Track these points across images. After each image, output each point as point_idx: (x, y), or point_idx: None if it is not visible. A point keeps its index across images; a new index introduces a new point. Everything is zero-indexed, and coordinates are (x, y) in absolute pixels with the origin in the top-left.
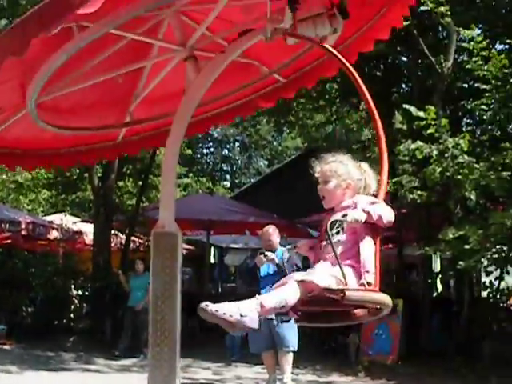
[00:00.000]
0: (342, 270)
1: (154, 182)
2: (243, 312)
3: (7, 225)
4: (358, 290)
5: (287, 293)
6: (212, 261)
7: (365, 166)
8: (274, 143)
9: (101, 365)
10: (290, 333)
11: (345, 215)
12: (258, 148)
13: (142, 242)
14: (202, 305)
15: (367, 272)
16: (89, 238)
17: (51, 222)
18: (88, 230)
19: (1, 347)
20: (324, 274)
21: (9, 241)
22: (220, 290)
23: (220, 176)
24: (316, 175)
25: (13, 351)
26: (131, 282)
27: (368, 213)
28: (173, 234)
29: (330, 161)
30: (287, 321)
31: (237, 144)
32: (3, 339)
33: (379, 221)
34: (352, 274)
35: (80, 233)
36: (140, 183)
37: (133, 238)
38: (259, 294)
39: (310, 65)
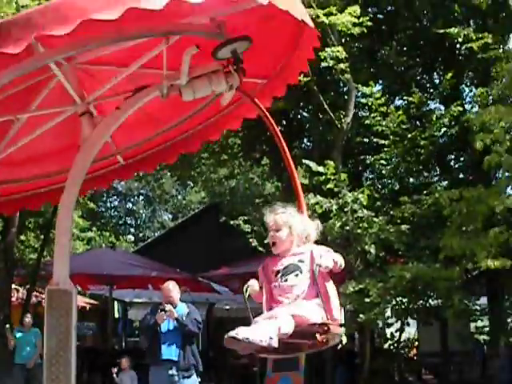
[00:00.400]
0: (324, 307)
1: (53, 236)
2: (272, 335)
3: None
4: (336, 324)
5: (288, 323)
6: (116, 315)
7: (306, 217)
8: (179, 197)
9: None
10: None
11: (301, 260)
12: (162, 202)
13: (43, 296)
14: (232, 333)
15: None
16: None
17: None
18: None
19: None
20: (312, 310)
21: None
22: (124, 345)
23: (124, 230)
24: (268, 223)
25: None
26: (18, 337)
27: (333, 260)
28: (67, 292)
29: (281, 212)
30: (188, 376)
31: (141, 197)
32: None
33: (335, 266)
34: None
35: None
36: (42, 237)
37: (34, 292)
38: (159, 350)
39: (215, 117)
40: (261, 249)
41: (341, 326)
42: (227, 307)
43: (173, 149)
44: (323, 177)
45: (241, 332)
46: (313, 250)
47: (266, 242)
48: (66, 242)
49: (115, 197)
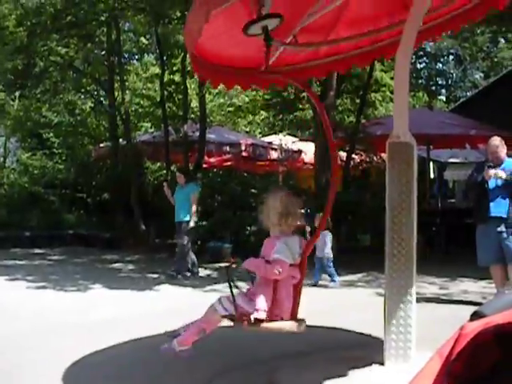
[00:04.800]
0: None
1: (371, 99)
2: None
3: (227, 147)
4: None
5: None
6: (432, 176)
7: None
8: (491, 54)
9: None
10: None
11: None
12: (473, 60)
13: (362, 158)
14: None
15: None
16: (308, 156)
17: (270, 142)
18: (307, 148)
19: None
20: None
21: (229, 163)
22: (440, 206)
23: (436, 90)
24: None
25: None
26: (175, 196)
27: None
28: (408, 144)
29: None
30: None
31: (451, 57)
32: (229, 257)
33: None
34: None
35: (299, 152)
36: (358, 101)
37: (353, 155)
38: (488, 208)
39: None
40: None
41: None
42: None
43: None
44: None
45: None
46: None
47: None
48: (404, 96)
49: (425, 57)
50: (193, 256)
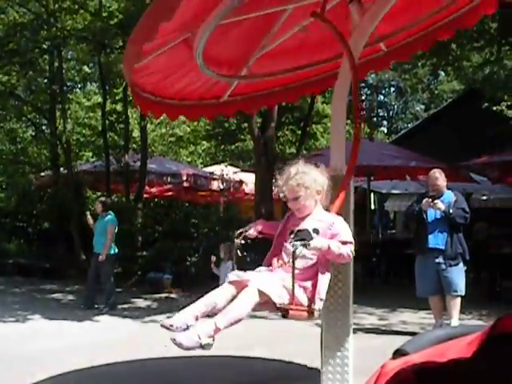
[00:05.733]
0: (293, 289)
1: (312, 130)
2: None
3: (169, 177)
4: (301, 310)
5: (245, 307)
6: (372, 207)
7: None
8: (431, 87)
9: None
10: (458, 277)
11: (316, 230)
12: (414, 92)
13: None
14: None
15: (320, 300)
16: (249, 187)
17: (212, 173)
18: (248, 179)
19: (167, 295)
20: (279, 289)
21: (171, 193)
22: (380, 237)
23: (377, 122)
24: (284, 192)
25: (178, 299)
26: (96, 225)
27: (329, 247)
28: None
29: (293, 175)
30: (456, 265)
31: (392, 89)
32: (169, 288)
33: (339, 258)
34: (303, 295)
35: (240, 182)
36: (298, 132)
37: None
38: (426, 239)
39: (469, 5)
40: None
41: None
42: (484, 197)
43: (428, 36)
44: None
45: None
46: (335, 223)
47: None
48: (341, 129)
49: (366, 89)
50: (111, 287)
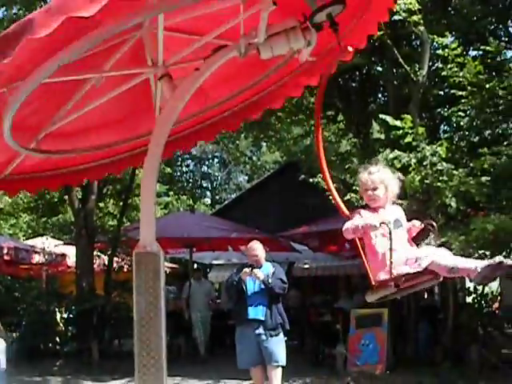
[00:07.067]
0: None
1: (134, 202)
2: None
3: None
4: None
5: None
6: None
7: (391, 171)
8: (254, 158)
9: None
10: (279, 347)
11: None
12: (237, 164)
13: (125, 262)
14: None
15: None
16: (71, 260)
17: (33, 246)
18: (70, 252)
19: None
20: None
21: None
22: None
23: (200, 193)
24: (364, 182)
25: None
26: None
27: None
28: (155, 254)
29: (376, 171)
30: (276, 335)
31: (216, 160)
32: None
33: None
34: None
35: (63, 256)
36: (121, 204)
37: (115, 258)
38: (246, 311)
39: (275, 84)
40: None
41: None
42: (307, 266)
43: (256, 105)
44: (400, 131)
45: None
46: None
47: (345, 199)
48: (151, 205)
49: (190, 161)
50: None
